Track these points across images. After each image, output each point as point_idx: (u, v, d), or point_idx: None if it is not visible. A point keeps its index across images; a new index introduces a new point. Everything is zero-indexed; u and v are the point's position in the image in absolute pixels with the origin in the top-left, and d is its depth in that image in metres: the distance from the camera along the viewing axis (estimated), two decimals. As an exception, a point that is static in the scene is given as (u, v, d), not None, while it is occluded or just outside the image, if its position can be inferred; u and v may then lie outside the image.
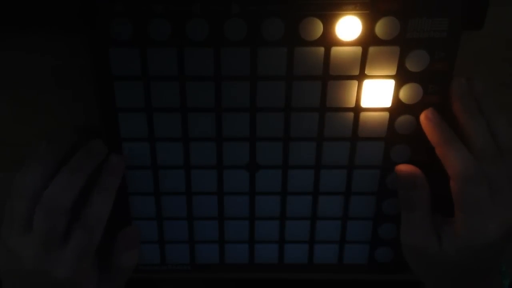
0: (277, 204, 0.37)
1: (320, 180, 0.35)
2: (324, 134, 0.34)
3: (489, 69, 0.35)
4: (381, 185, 0.36)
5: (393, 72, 0.32)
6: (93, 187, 0.33)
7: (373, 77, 0.32)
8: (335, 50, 0.31)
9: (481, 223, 0.31)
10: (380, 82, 0.32)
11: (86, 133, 0.35)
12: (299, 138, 0.34)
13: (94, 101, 0.33)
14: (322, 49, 0.31)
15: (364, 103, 0.33)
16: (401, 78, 0.32)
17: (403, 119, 0.33)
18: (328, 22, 0.30)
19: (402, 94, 0.32)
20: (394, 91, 0.32)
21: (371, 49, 0.31)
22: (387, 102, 0.33)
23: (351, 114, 0.33)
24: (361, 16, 0.30)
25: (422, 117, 0.33)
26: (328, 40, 0.31)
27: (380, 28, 0.30)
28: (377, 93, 0.32)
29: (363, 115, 0.33)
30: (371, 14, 0.30)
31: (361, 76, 0.32)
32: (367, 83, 0.32)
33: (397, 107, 0.33)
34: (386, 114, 0.33)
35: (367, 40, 0.31)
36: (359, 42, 0.31)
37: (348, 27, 0.30)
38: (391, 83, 0.32)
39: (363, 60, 0.31)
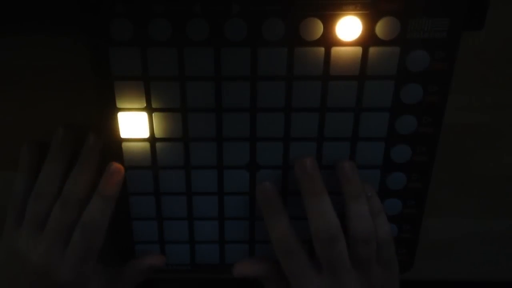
0: (277, 204, 0.37)
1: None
2: (324, 134, 0.34)
3: (489, 69, 0.35)
4: (382, 185, 0.36)
5: (393, 72, 0.32)
6: (94, 192, 0.34)
7: (373, 78, 0.32)
8: (335, 50, 0.31)
9: None
10: (380, 82, 0.32)
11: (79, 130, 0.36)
12: (299, 138, 0.34)
13: (94, 101, 0.33)
14: (322, 49, 0.31)
15: (364, 103, 0.33)
16: (401, 78, 0.32)
17: (403, 119, 0.33)
18: (328, 22, 0.30)
19: (402, 94, 0.32)
20: (394, 92, 0.32)
21: (371, 49, 0.31)
22: (387, 102, 0.33)
23: (351, 115, 0.33)
24: (361, 16, 0.30)
25: (257, 190, 0.35)
26: (328, 40, 0.31)
27: (380, 28, 0.30)
28: (377, 93, 0.32)
29: (363, 115, 0.33)
30: (371, 14, 0.30)
31: (361, 76, 0.32)
32: (367, 83, 0.32)
33: (397, 107, 0.33)
34: (386, 114, 0.33)
35: (368, 40, 0.31)
36: (359, 42, 0.31)
37: (348, 27, 0.30)
38: (391, 83, 0.32)
39: (364, 60, 0.31)
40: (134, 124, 0.34)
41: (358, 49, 0.31)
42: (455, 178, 0.39)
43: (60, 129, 0.35)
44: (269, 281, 0.37)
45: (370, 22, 0.30)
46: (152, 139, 0.34)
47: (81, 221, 0.33)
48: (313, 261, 0.33)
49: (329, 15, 0.30)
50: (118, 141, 0.34)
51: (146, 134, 0.34)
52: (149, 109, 0.33)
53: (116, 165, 0.34)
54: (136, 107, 0.33)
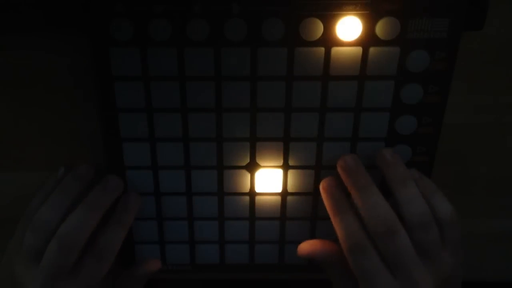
0: (278, 204, 0.37)
1: (320, 180, 0.35)
2: (324, 135, 0.34)
3: (489, 69, 0.35)
4: (382, 185, 0.36)
5: (393, 72, 0.32)
6: (108, 220, 0.33)
7: (373, 78, 0.32)
8: (335, 50, 0.31)
9: None
10: (380, 82, 0.32)
11: (103, 170, 0.35)
12: (299, 138, 0.34)
13: (94, 101, 0.33)
14: (322, 49, 0.31)
15: (364, 103, 0.33)
16: (402, 78, 0.32)
17: (403, 119, 0.33)
18: (329, 23, 0.30)
19: (402, 94, 0.32)
20: (394, 92, 0.32)
21: (372, 50, 0.31)
22: (388, 103, 0.33)
23: (351, 115, 0.33)
24: (361, 16, 0.30)
25: (320, 186, 0.34)
26: (328, 41, 0.31)
27: (380, 28, 0.30)
28: (377, 93, 0.32)
29: (364, 115, 0.33)
30: (371, 15, 0.30)
31: (361, 76, 0.32)
32: (367, 84, 0.32)
33: (397, 107, 0.33)
34: (386, 114, 0.33)
35: (368, 41, 0.31)
36: (360, 42, 0.31)
37: (349, 28, 0.30)
38: (391, 84, 0.32)
39: (364, 61, 0.31)
40: (134, 124, 0.34)
41: (358, 49, 0.31)
42: (455, 178, 0.39)
43: (80, 167, 0.34)
44: (332, 268, 0.35)
45: (370, 22, 0.30)
46: (152, 139, 0.34)
47: (94, 245, 0.32)
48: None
49: (329, 15, 0.30)
50: (118, 141, 0.34)
51: (146, 134, 0.34)
52: (149, 109, 0.33)
53: (134, 195, 0.35)
54: (136, 107, 0.33)
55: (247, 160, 0.35)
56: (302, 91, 0.32)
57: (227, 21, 0.30)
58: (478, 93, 0.35)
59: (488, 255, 0.43)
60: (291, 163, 0.35)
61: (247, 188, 0.36)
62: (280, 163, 0.35)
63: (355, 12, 0.30)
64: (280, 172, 0.35)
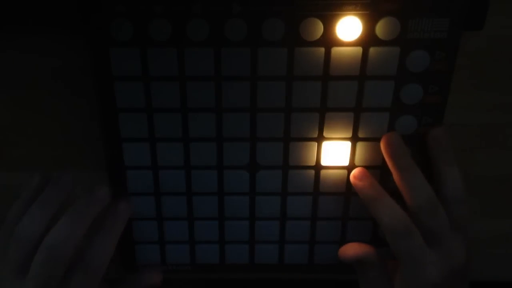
0: (277, 204, 0.37)
1: (320, 180, 0.35)
2: (325, 135, 0.34)
3: (489, 69, 0.35)
4: (382, 185, 0.36)
5: (393, 72, 0.32)
6: (97, 230, 0.33)
7: (373, 78, 0.32)
8: (336, 50, 0.31)
9: (418, 270, 0.31)
10: (380, 82, 0.32)
11: (90, 178, 0.34)
12: (299, 138, 0.34)
13: (94, 101, 0.33)
14: (322, 49, 0.31)
15: (364, 104, 0.33)
16: (402, 78, 0.32)
17: (403, 119, 0.33)
18: (329, 23, 0.30)
19: (402, 94, 0.32)
20: (394, 92, 0.32)
21: (372, 50, 0.31)
22: (387, 103, 0.33)
23: (351, 114, 0.33)
24: (361, 16, 0.30)
25: (351, 177, 0.35)
26: (328, 41, 0.31)
27: (380, 28, 0.30)
28: (377, 93, 0.32)
29: (364, 115, 0.33)
30: (371, 15, 0.30)
31: (361, 77, 0.32)
32: (367, 84, 0.32)
33: (397, 107, 0.33)
34: (386, 115, 0.33)
35: (368, 41, 0.31)
36: (360, 42, 0.31)
37: (349, 28, 0.30)
38: (391, 83, 0.32)
39: (364, 61, 0.31)
40: (134, 124, 0.34)
41: (358, 49, 0.31)
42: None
43: (59, 174, 0.33)
44: (369, 270, 0.36)
45: (370, 22, 0.30)
46: (152, 139, 0.34)
47: (83, 256, 0.31)
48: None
49: (329, 15, 0.30)
50: (118, 141, 0.34)
51: (146, 134, 0.34)
52: (149, 109, 0.33)
53: (124, 204, 0.35)
54: (136, 107, 0.33)
55: (247, 160, 0.35)
56: (302, 91, 0.32)
57: (227, 21, 0.30)
58: (478, 93, 0.35)
59: (488, 255, 0.43)
60: (291, 163, 0.35)
61: (247, 188, 0.36)
62: (280, 163, 0.35)
63: (355, 12, 0.30)
64: (280, 172, 0.35)
